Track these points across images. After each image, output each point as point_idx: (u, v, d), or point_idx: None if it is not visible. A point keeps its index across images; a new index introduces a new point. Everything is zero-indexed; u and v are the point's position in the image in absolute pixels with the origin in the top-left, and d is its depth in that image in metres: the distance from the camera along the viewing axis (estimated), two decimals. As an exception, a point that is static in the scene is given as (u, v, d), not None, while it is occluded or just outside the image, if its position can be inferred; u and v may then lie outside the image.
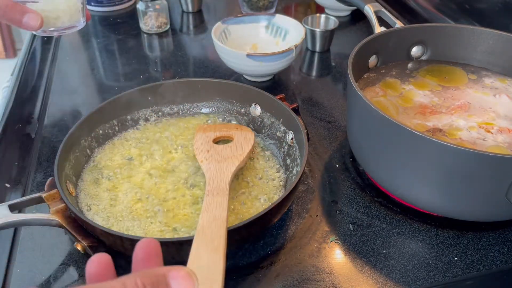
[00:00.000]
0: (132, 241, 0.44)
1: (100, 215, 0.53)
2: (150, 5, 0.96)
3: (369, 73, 0.67)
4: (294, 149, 0.59)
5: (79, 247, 0.47)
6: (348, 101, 0.62)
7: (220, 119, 0.67)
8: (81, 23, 0.63)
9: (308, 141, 0.56)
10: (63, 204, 0.49)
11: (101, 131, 0.62)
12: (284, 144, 0.62)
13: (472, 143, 0.54)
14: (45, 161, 0.65)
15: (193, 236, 0.42)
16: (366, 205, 0.58)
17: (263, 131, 0.65)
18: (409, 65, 0.69)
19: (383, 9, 0.75)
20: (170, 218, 0.52)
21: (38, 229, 0.54)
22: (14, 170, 0.64)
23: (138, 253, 0.33)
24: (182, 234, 0.51)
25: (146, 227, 0.51)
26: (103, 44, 0.96)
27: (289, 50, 0.75)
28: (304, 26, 0.82)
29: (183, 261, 0.45)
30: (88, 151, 0.60)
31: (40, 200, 0.49)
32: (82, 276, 0.49)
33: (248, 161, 0.61)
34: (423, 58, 0.70)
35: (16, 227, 0.54)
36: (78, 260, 0.51)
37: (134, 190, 0.56)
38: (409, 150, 0.50)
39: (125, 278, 0.28)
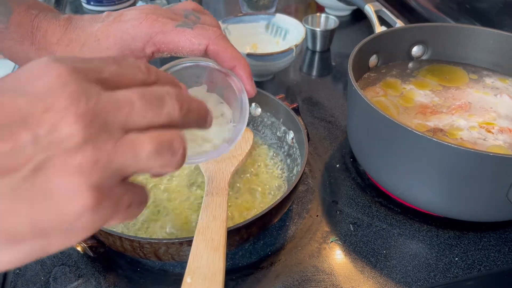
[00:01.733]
0: (132, 242, 0.44)
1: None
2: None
3: (369, 73, 0.66)
4: (294, 149, 0.59)
5: (78, 248, 0.47)
6: (349, 101, 0.62)
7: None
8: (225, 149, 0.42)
9: (308, 141, 0.56)
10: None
11: (100, 131, 0.62)
12: (284, 144, 0.62)
13: (473, 143, 0.54)
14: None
15: (193, 236, 0.42)
16: (366, 205, 0.58)
17: (263, 131, 0.65)
18: (410, 65, 0.69)
19: (383, 9, 0.75)
20: (171, 218, 0.52)
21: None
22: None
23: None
24: (182, 234, 0.51)
25: (147, 227, 0.51)
26: (103, 44, 0.96)
27: (289, 50, 0.75)
28: (304, 26, 0.82)
29: (183, 261, 0.45)
30: (88, 151, 0.60)
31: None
32: (81, 276, 0.49)
33: (248, 161, 0.61)
34: (424, 57, 0.70)
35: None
36: (77, 261, 0.51)
37: (133, 190, 0.56)
38: (409, 150, 0.50)
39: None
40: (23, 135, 0.21)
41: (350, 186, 0.61)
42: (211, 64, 0.41)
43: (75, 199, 0.22)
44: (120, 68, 0.26)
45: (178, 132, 0.26)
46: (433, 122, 0.58)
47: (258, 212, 0.46)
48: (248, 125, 0.65)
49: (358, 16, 1.05)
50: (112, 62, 0.26)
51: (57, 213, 0.22)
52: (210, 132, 0.41)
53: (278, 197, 0.50)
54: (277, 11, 1.06)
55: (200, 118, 0.29)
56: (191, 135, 0.42)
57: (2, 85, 0.23)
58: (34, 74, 0.23)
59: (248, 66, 0.41)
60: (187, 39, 0.38)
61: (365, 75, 0.66)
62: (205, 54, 0.39)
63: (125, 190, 0.25)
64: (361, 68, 0.65)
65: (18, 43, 0.40)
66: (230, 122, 0.43)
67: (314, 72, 0.89)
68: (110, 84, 0.25)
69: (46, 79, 0.22)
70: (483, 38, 0.67)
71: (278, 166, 0.60)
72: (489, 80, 0.66)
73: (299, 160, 0.57)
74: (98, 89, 0.23)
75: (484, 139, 0.55)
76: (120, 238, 0.44)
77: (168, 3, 1.00)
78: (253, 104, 0.65)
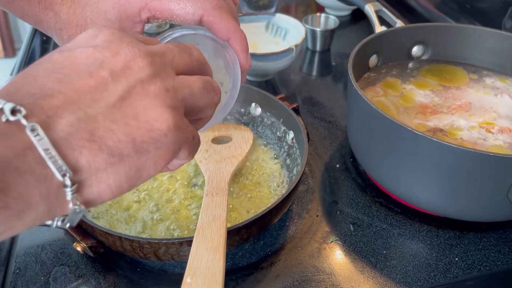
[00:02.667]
0: (132, 242, 0.44)
1: (100, 216, 0.53)
2: (150, 4, 0.95)
3: (369, 73, 0.66)
4: (294, 149, 0.59)
5: (78, 248, 0.47)
6: (349, 101, 0.62)
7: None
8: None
9: (308, 141, 0.56)
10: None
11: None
12: (284, 144, 0.62)
13: (473, 143, 0.54)
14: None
15: (193, 236, 0.42)
16: (366, 206, 0.58)
17: (263, 131, 0.65)
18: (410, 65, 0.69)
19: (383, 9, 0.75)
20: (171, 218, 0.52)
21: (37, 229, 0.53)
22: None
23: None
24: (182, 234, 0.51)
25: (147, 228, 0.51)
26: (103, 44, 0.96)
27: (289, 50, 0.75)
28: (304, 26, 0.82)
29: (183, 261, 0.45)
30: (88, 151, 0.60)
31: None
32: (81, 276, 0.49)
33: (248, 161, 0.61)
34: (424, 57, 0.70)
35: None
36: (77, 261, 0.51)
37: (134, 191, 0.56)
38: (409, 150, 0.50)
39: None
40: (103, 74, 0.26)
41: (350, 186, 0.61)
42: (208, 33, 0.40)
43: (160, 117, 0.26)
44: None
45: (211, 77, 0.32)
46: (433, 122, 0.58)
47: (258, 212, 0.46)
48: (248, 125, 0.65)
49: (358, 16, 1.05)
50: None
51: (149, 130, 0.26)
52: None
53: (278, 197, 0.50)
54: (277, 11, 1.06)
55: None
56: None
57: (68, 46, 0.27)
58: (90, 35, 0.28)
59: (244, 38, 0.40)
60: (182, 8, 0.38)
61: (365, 75, 0.66)
62: (201, 23, 0.39)
63: (188, 123, 0.29)
64: (361, 68, 0.65)
65: (26, 3, 0.41)
66: (227, 92, 0.43)
67: (314, 72, 0.89)
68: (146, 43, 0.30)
69: (103, 35, 0.28)
70: (483, 38, 0.67)
71: (278, 166, 0.60)
72: (489, 80, 0.66)
73: (299, 160, 0.57)
74: (143, 42, 0.29)
75: (484, 139, 0.55)
76: (120, 238, 0.44)
77: None
78: (253, 104, 0.65)
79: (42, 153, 0.23)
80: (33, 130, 0.23)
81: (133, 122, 0.26)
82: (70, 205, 0.25)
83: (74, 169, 0.24)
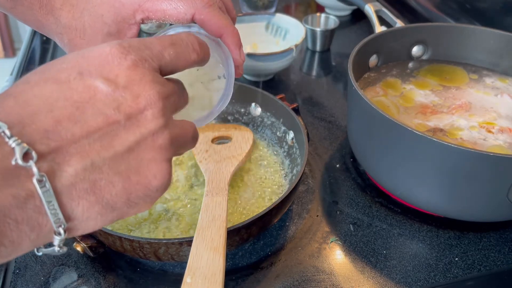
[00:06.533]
0: (132, 242, 0.44)
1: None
2: (150, 4, 0.95)
3: (369, 73, 0.66)
4: (294, 149, 0.59)
5: (78, 248, 0.47)
6: (349, 101, 0.62)
7: (220, 119, 0.67)
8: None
9: (308, 141, 0.56)
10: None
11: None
12: (284, 144, 0.62)
13: (473, 143, 0.54)
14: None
15: (193, 236, 0.42)
16: (366, 206, 0.58)
17: (263, 131, 0.65)
18: (410, 65, 0.69)
19: (383, 9, 0.75)
20: (171, 219, 0.52)
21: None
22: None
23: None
24: (182, 234, 0.51)
25: (146, 228, 0.51)
26: (103, 44, 0.96)
27: (289, 50, 0.75)
28: (304, 26, 0.82)
29: (183, 261, 0.45)
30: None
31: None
32: (81, 276, 0.49)
33: (247, 161, 0.61)
34: (424, 57, 0.70)
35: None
36: (77, 261, 0.50)
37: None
38: (409, 150, 0.50)
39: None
40: (118, 117, 0.25)
41: (350, 186, 0.61)
42: (201, 31, 0.41)
43: (159, 174, 0.27)
44: (177, 49, 0.30)
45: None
46: (433, 122, 0.58)
47: (258, 212, 0.46)
48: (248, 125, 0.65)
49: (358, 16, 1.05)
50: (169, 45, 0.30)
51: (145, 186, 0.26)
52: (205, 98, 0.42)
53: (278, 197, 0.50)
54: (277, 11, 1.06)
55: None
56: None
57: (89, 66, 0.26)
58: (113, 59, 0.26)
59: (237, 34, 0.41)
60: (174, 8, 0.39)
61: (365, 75, 0.66)
62: (193, 22, 0.40)
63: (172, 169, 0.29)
64: (361, 68, 0.65)
65: (28, 8, 0.42)
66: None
67: (314, 72, 0.89)
68: (168, 69, 0.29)
69: (126, 67, 0.26)
70: (483, 38, 0.66)
71: (278, 166, 0.60)
72: (489, 80, 0.66)
73: (299, 160, 0.57)
74: (161, 79, 0.28)
75: (484, 139, 0.55)
76: (120, 238, 0.44)
77: None
78: (253, 104, 0.65)
79: (45, 205, 0.23)
80: (40, 180, 0.22)
81: (134, 177, 0.26)
82: (56, 248, 0.25)
83: (68, 218, 0.24)
